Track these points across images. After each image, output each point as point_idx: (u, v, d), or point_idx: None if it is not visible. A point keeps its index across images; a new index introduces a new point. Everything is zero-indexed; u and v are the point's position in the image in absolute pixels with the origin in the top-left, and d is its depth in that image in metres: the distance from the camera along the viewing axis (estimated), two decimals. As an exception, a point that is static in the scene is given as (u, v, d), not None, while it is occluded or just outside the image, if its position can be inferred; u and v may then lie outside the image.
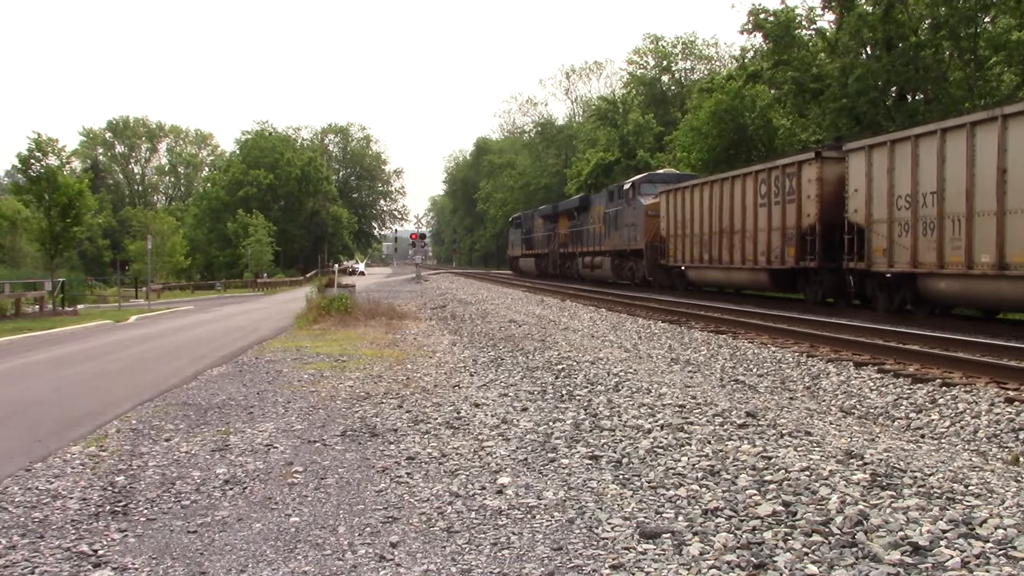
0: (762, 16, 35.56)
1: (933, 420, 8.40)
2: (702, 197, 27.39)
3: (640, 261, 33.35)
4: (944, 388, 9.56)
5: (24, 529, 5.24)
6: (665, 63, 71.49)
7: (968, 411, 8.43)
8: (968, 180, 15.44)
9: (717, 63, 69.33)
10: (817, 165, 20.88)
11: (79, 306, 35.11)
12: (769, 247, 23.11)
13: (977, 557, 4.12)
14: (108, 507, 5.69)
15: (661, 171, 38.34)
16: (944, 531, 4.45)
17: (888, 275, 18.20)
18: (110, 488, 6.15)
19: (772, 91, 39.23)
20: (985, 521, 4.55)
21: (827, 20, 37.01)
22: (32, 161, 33.90)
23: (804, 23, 36.49)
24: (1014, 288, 14.58)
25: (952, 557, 4.13)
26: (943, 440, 7.66)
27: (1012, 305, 15.78)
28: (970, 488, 5.22)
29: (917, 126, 17.46)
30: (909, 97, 33.64)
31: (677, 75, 72.20)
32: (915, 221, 16.97)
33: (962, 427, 7.99)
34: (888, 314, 18.01)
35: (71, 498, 5.91)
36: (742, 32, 37.44)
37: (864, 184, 18.65)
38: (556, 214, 47.49)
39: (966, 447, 7.24)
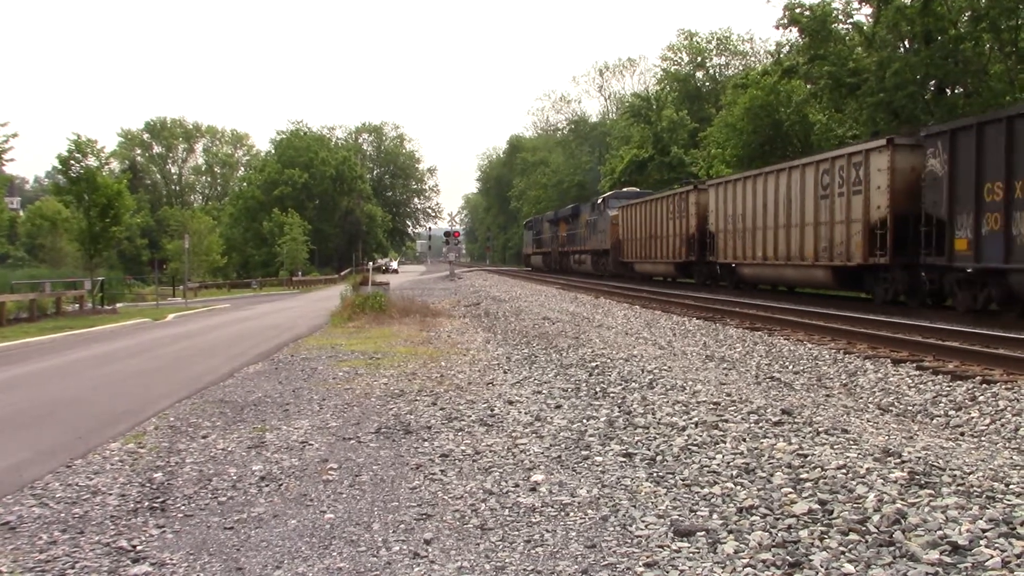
0: (798, 10, 35.10)
1: (973, 418, 8.27)
2: (641, 212, 38.25)
3: (608, 258, 43.93)
4: (984, 385, 9.41)
5: (65, 525, 5.32)
6: (699, 59, 70.82)
7: (1009, 408, 8.29)
8: (753, 209, 25.94)
9: (752, 59, 68.63)
10: (695, 194, 31.63)
11: (118, 304, 35.62)
12: (674, 247, 33.61)
13: (1018, 557, 4.06)
14: (146, 503, 5.76)
15: (624, 189, 48.92)
16: (984, 530, 4.38)
17: (733, 264, 28.02)
18: (148, 484, 6.23)
19: (808, 86, 38.78)
20: (1026, 520, 4.48)
21: (864, 14, 36.56)
22: (72, 162, 34.34)
23: (840, 17, 36.02)
24: (773, 271, 25.55)
25: (992, 557, 4.07)
26: (983, 438, 7.54)
27: (775, 281, 26.88)
28: (1011, 487, 5.14)
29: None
30: (948, 91, 33.14)
31: (711, 71, 71.53)
32: (735, 231, 27.48)
33: (1003, 425, 7.86)
34: (736, 289, 27.80)
35: (110, 494, 5.99)
36: (777, 27, 36.98)
37: (715, 207, 29.31)
38: (557, 219, 57.74)
39: (1007, 445, 7.12)
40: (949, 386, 9.61)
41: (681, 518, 4.97)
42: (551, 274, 54.62)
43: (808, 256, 22.50)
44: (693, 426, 7.15)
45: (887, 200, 18.87)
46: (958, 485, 5.18)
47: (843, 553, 4.27)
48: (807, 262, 22.58)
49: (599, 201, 46.17)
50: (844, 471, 5.52)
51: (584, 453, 6.65)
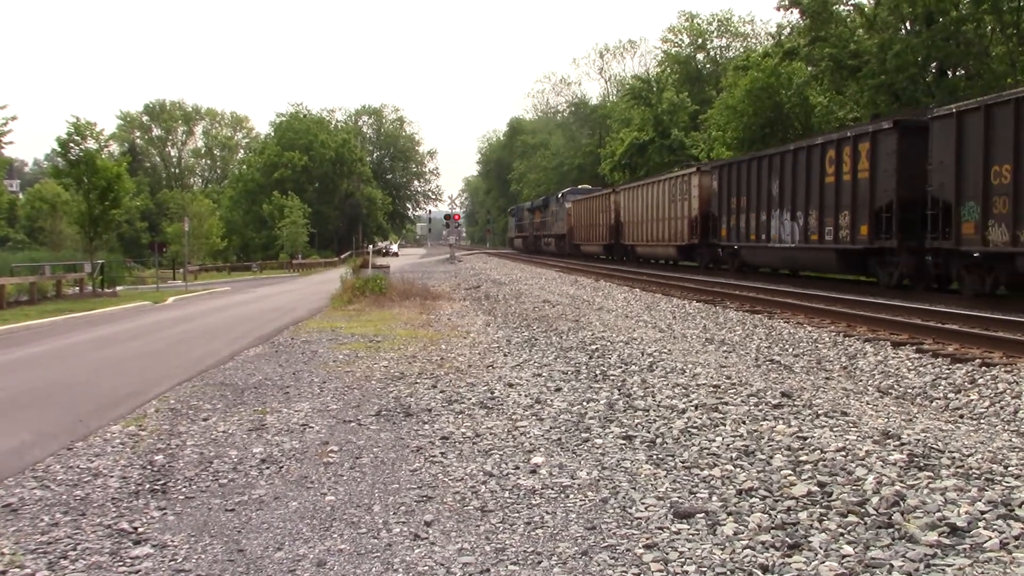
0: (799, -8, 35.01)
1: (972, 400, 8.28)
2: (584, 206, 50.61)
3: (565, 241, 55.93)
4: (984, 368, 9.42)
5: (66, 507, 5.34)
6: (700, 41, 70.44)
7: (1008, 391, 8.30)
8: (643, 207, 37.27)
9: (753, 40, 68.24)
10: (613, 194, 43.39)
11: (118, 287, 35.56)
12: (602, 233, 45.42)
13: (1016, 538, 4.08)
14: (148, 485, 5.78)
15: (579, 187, 60.10)
16: (983, 512, 4.40)
17: (634, 245, 39.79)
18: (149, 467, 6.25)
19: (809, 68, 38.65)
20: (1025, 502, 4.49)
21: (865, -5, 36.37)
22: (71, 145, 34.17)
23: (842, -2, 35.90)
24: (651, 249, 37.32)
25: (991, 538, 4.08)
26: (982, 420, 7.55)
27: (654, 256, 37.70)
28: (1010, 469, 5.16)
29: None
30: (950, 73, 33.01)
31: (712, 53, 71.16)
32: (634, 222, 39.08)
33: (1002, 407, 7.87)
34: (636, 263, 39.22)
35: (112, 476, 6.01)
36: (778, 8, 36.96)
37: (624, 205, 41.15)
38: (533, 209, 69.96)
39: (1006, 427, 7.14)
40: (948, 369, 9.62)
41: (681, 500, 4.99)
42: (543, 256, 62.51)
43: (667, 239, 34.34)
44: (693, 409, 7.17)
45: (697, 204, 30.76)
46: (957, 467, 5.19)
47: (842, 535, 4.29)
48: (665, 242, 34.73)
49: (559, 195, 58.47)
50: (843, 453, 5.54)
51: (584, 436, 6.66)
